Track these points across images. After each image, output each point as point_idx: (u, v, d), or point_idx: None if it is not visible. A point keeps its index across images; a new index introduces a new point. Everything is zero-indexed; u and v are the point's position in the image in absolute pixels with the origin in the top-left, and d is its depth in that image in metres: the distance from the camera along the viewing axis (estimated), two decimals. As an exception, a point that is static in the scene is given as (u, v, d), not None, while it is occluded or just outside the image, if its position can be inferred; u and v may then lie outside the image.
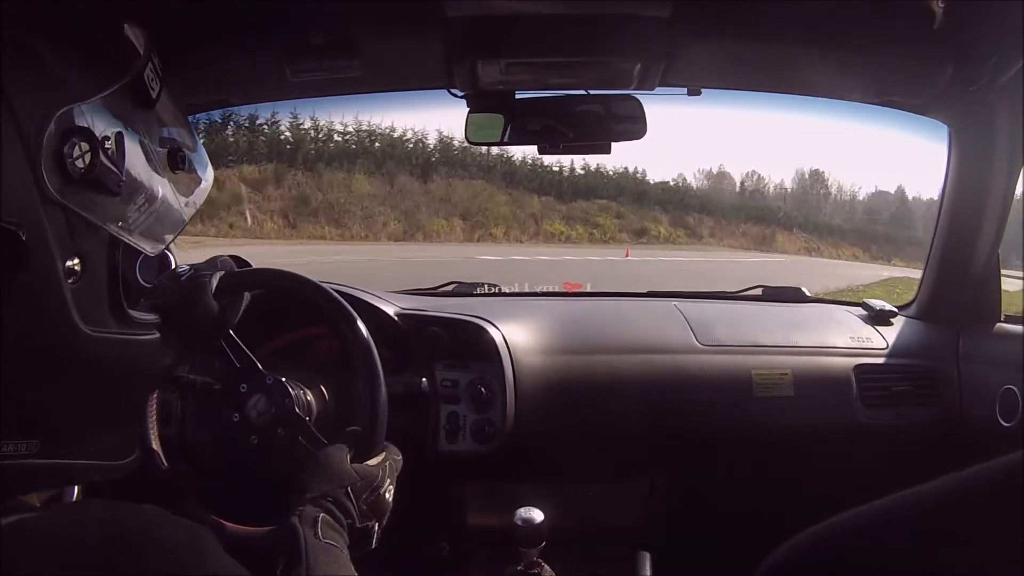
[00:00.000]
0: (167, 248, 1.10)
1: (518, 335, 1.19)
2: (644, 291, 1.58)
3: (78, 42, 0.51)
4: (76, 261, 0.52)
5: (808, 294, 1.50)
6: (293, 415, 0.85)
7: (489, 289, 1.53)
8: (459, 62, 1.04)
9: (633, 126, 1.12)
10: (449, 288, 1.52)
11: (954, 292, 1.30)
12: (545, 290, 1.90)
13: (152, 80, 0.57)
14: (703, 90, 1.17)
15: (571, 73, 1.09)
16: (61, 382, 0.53)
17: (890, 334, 1.30)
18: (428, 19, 0.94)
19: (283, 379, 0.87)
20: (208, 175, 0.69)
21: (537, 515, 1.03)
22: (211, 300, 0.76)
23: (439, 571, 1.25)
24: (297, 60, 1.00)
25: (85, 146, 0.49)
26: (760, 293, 1.51)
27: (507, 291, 1.65)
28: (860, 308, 1.39)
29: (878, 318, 1.34)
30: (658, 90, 1.12)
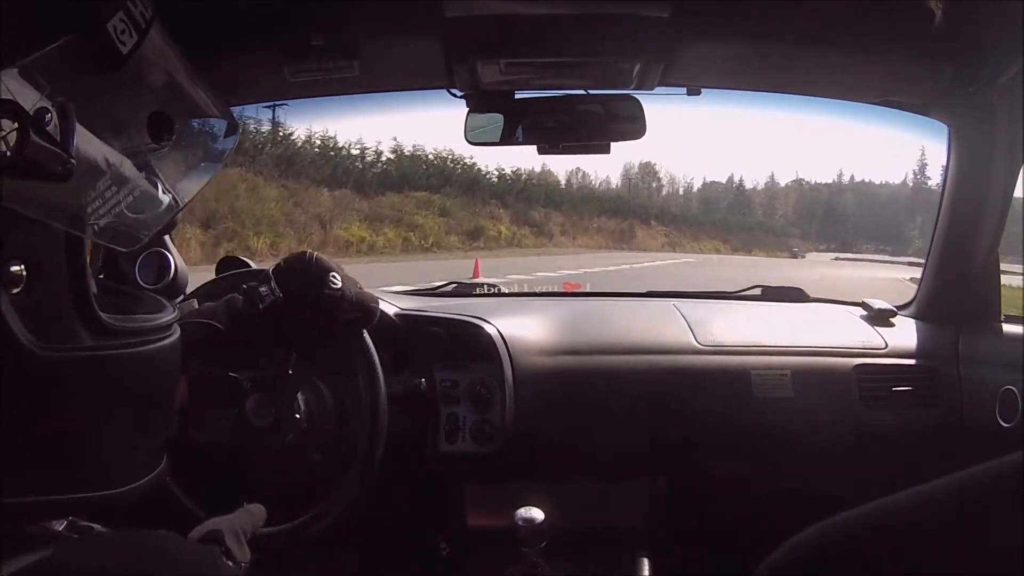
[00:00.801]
0: (166, 249, 1.10)
1: (517, 335, 1.19)
2: (643, 291, 1.58)
3: None
4: (20, 266, 0.43)
5: (808, 294, 1.50)
6: (275, 449, 0.88)
7: (488, 289, 1.53)
8: (459, 62, 1.04)
9: (632, 126, 1.12)
10: (448, 288, 1.53)
11: (954, 292, 1.29)
12: (544, 290, 1.91)
13: (123, 32, 0.44)
14: (703, 90, 1.17)
15: (571, 73, 1.09)
16: (5, 411, 0.44)
17: (890, 334, 1.30)
18: (428, 19, 0.94)
19: (304, 421, 0.89)
20: (224, 144, 0.57)
21: (538, 514, 1.03)
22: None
23: (439, 571, 1.25)
24: (296, 60, 1.01)
25: (10, 122, 0.39)
26: (760, 293, 1.51)
27: (506, 291, 1.65)
28: (860, 308, 1.39)
29: (878, 318, 1.34)
30: (658, 90, 1.13)
